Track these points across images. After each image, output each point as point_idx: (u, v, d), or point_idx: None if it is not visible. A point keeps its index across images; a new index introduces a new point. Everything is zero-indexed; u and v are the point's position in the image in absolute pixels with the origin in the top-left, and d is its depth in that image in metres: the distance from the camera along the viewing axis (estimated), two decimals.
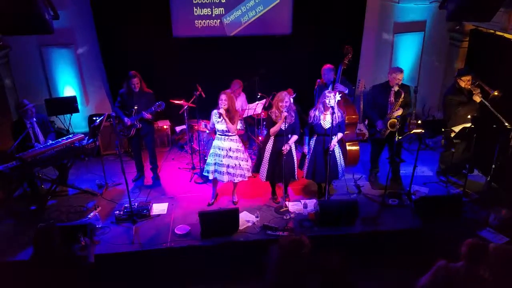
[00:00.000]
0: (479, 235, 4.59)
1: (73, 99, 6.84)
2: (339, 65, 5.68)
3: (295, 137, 5.10)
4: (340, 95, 5.61)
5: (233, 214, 4.77)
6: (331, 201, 5.27)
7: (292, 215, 5.07)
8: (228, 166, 5.05)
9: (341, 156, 5.25)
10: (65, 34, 6.54)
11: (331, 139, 4.94)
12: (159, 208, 5.28)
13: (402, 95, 5.27)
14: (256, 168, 5.30)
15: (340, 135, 5.10)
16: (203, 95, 5.89)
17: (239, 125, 5.23)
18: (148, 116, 5.51)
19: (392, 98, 5.35)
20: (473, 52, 6.61)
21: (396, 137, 5.29)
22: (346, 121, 5.40)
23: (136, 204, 5.19)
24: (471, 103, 5.35)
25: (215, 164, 5.09)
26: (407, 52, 7.45)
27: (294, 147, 5.21)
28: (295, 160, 5.25)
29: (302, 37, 7.06)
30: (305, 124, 5.28)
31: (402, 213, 5.14)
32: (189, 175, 6.16)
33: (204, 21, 6.88)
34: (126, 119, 5.52)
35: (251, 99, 6.60)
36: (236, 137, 5.09)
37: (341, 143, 5.47)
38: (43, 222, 3.54)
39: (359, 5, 7.05)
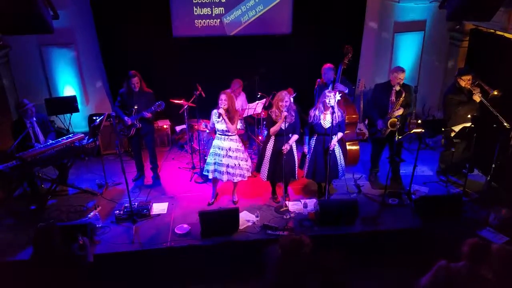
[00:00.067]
0: (479, 234, 4.59)
1: (73, 98, 6.84)
2: (339, 65, 5.67)
3: (295, 137, 5.10)
4: (340, 94, 5.62)
5: (233, 214, 4.77)
6: (331, 200, 5.27)
7: (292, 215, 5.07)
8: (227, 166, 5.05)
9: (341, 155, 5.25)
10: (65, 33, 6.54)
11: (331, 138, 4.94)
12: (159, 207, 5.28)
13: (403, 95, 5.27)
14: (257, 168, 5.31)
15: (340, 134, 5.10)
16: (203, 95, 5.89)
17: (239, 125, 5.24)
18: (148, 115, 5.51)
19: (393, 98, 5.35)
20: (473, 52, 6.61)
21: (396, 137, 5.30)
22: (346, 121, 5.41)
23: (136, 203, 5.19)
24: (471, 102, 5.36)
25: (214, 163, 5.10)
26: (407, 52, 7.44)
27: (295, 146, 5.21)
28: (296, 160, 5.25)
29: (302, 36, 7.06)
30: (305, 124, 5.28)
31: (402, 213, 5.15)
32: (189, 174, 6.17)
33: (204, 20, 6.88)
34: (126, 119, 5.52)
35: (251, 99, 6.60)
36: (236, 137, 5.09)
37: (341, 142, 5.47)
38: (43, 222, 3.55)
39: (359, 5, 7.05)
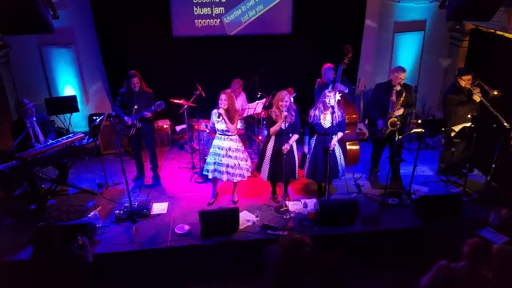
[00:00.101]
0: (479, 234, 4.59)
1: (73, 98, 6.84)
2: (339, 65, 5.67)
3: (295, 137, 5.10)
4: (340, 94, 5.62)
5: (233, 214, 4.77)
6: (331, 200, 5.27)
7: (292, 215, 5.07)
8: (227, 166, 5.05)
9: (341, 155, 5.25)
10: (65, 33, 6.54)
11: (331, 138, 4.94)
12: (159, 207, 5.28)
13: (404, 94, 5.27)
14: (258, 168, 5.31)
15: (340, 134, 5.10)
16: (203, 95, 5.89)
17: (239, 125, 5.24)
18: (148, 115, 5.51)
19: (393, 97, 5.35)
20: (473, 52, 6.61)
21: (397, 137, 5.30)
22: (346, 121, 5.41)
23: (136, 203, 5.18)
24: (471, 102, 5.36)
25: (214, 163, 5.10)
26: (407, 52, 7.44)
27: (295, 146, 5.21)
28: (296, 160, 5.25)
29: (302, 36, 7.06)
30: (305, 124, 5.28)
31: (402, 213, 5.14)
32: (189, 174, 6.17)
33: (204, 20, 6.88)
34: (126, 119, 5.52)
35: (251, 99, 6.60)
36: (236, 137, 5.09)
37: (341, 142, 5.47)
38: (43, 222, 3.55)
39: (359, 5, 7.05)
